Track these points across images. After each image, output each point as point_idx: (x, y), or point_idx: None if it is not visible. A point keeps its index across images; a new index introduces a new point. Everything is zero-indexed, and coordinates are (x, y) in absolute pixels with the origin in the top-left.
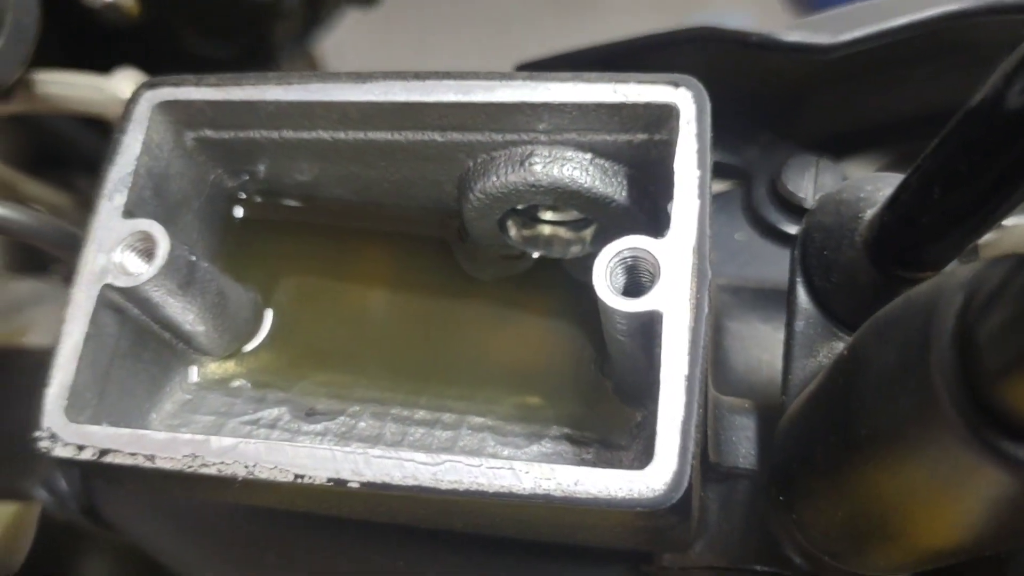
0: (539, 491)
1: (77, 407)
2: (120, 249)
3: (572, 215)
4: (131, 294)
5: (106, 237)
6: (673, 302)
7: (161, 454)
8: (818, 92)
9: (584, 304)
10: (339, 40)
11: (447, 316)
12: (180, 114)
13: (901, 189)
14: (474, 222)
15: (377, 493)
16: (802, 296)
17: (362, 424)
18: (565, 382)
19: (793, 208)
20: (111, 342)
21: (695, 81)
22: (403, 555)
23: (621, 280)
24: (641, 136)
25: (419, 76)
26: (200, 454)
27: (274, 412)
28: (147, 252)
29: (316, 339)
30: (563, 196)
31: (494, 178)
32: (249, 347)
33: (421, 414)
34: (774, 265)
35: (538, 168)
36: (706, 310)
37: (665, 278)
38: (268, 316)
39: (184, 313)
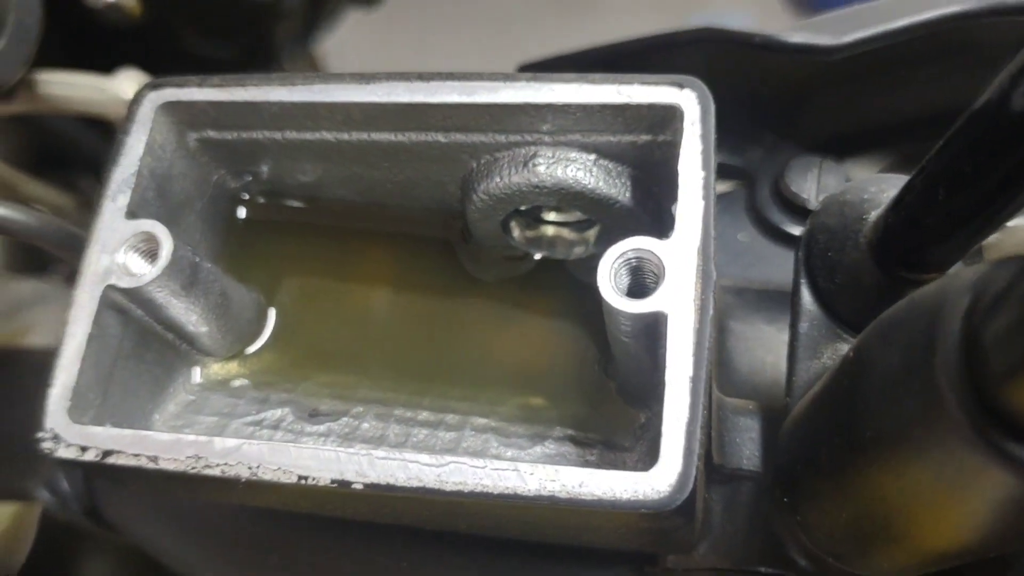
0: (544, 493)
1: (80, 408)
2: (123, 250)
3: (575, 216)
4: (134, 295)
5: (109, 238)
6: (678, 303)
7: (164, 455)
8: (821, 93)
9: (587, 305)
10: (339, 40)
11: (450, 317)
12: (183, 115)
13: (906, 190)
14: (477, 223)
15: (381, 494)
16: (806, 297)
17: (365, 425)
18: (569, 383)
19: (796, 209)
20: (114, 343)
21: (699, 82)
22: (406, 556)
23: (625, 281)
24: (645, 137)
25: (423, 77)
26: (204, 455)
27: (277, 413)
28: (150, 253)
29: (319, 340)
30: (567, 197)
31: (498, 179)
32: (252, 348)
33: (424, 415)
34: (777, 266)
35: (542, 169)
36: (711, 311)
37: (669, 279)
38: (271, 317)
39: (187, 314)
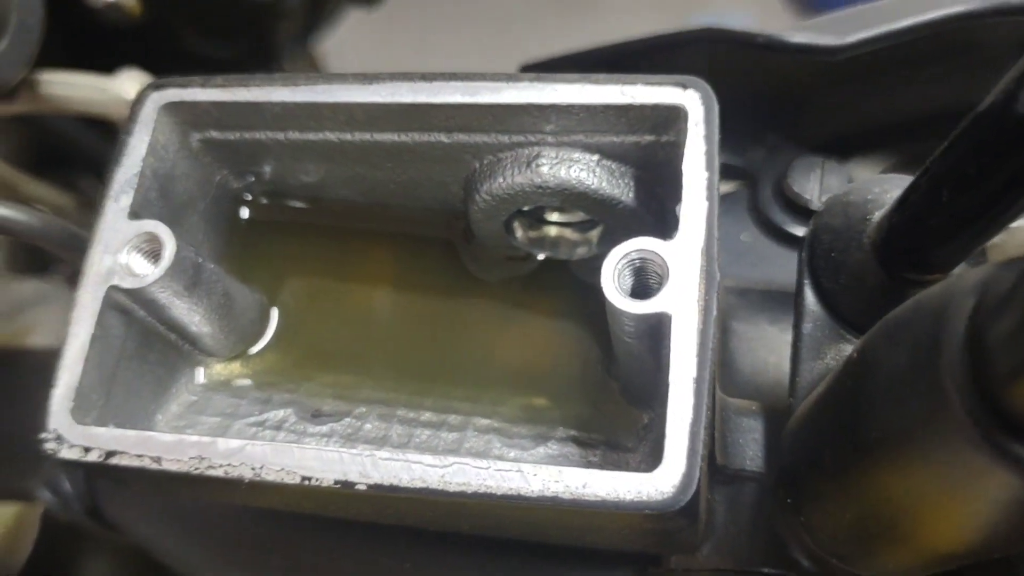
0: (547, 493)
1: (83, 409)
2: (126, 250)
3: (578, 216)
4: (137, 295)
5: (112, 238)
6: (682, 304)
7: (167, 456)
8: (824, 93)
9: (590, 305)
10: (340, 40)
11: (453, 317)
12: (186, 115)
13: (910, 191)
14: (480, 223)
15: (384, 495)
16: (810, 298)
17: (368, 426)
18: (571, 383)
19: (799, 209)
20: (117, 343)
21: (703, 83)
22: (409, 557)
23: (629, 282)
24: (648, 137)
25: (426, 77)
26: (207, 456)
27: (280, 413)
28: (153, 253)
29: (322, 340)
30: (570, 197)
31: (500, 179)
32: (255, 348)
33: (427, 415)
34: (780, 267)
35: (545, 169)
36: (714, 312)
37: (673, 280)
38: (274, 317)
39: (190, 314)
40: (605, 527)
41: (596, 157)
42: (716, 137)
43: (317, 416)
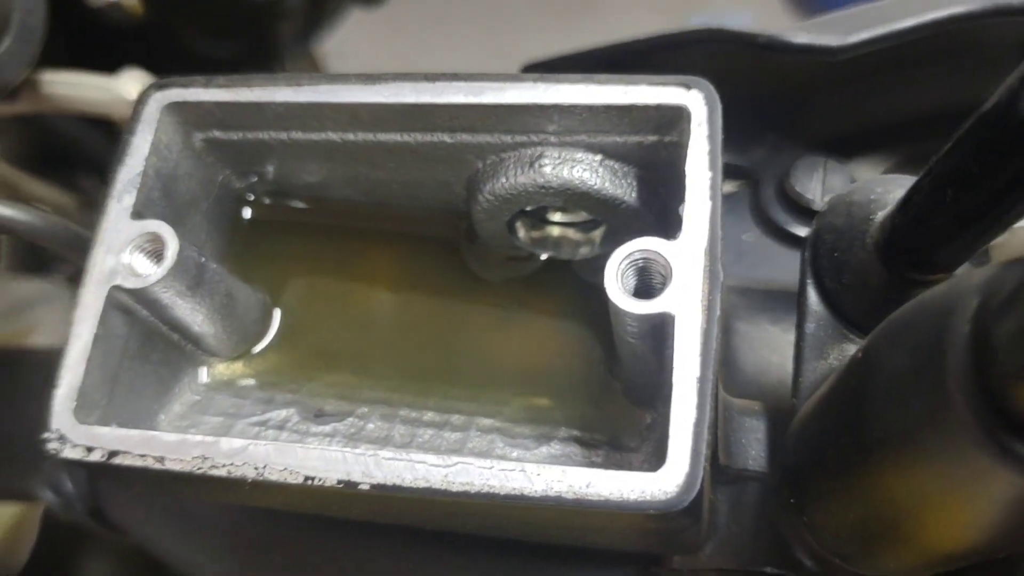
0: (550, 493)
1: (86, 408)
2: (129, 250)
3: (581, 216)
4: (140, 295)
5: (115, 238)
6: (685, 304)
7: (171, 456)
8: (825, 93)
9: (593, 305)
10: (340, 40)
11: (455, 317)
12: (189, 115)
13: (913, 191)
14: (483, 223)
15: (387, 495)
16: (812, 298)
17: (371, 426)
18: (574, 383)
19: (801, 209)
20: (120, 343)
21: (706, 83)
22: (410, 556)
23: (632, 282)
24: (651, 138)
25: (429, 77)
26: (210, 456)
27: (282, 413)
28: (156, 253)
29: (324, 340)
30: (572, 197)
31: (503, 179)
32: (257, 348)
33: (430, 415)
34: (782, 266)
35: (548, 169)
36: (718, 312)
37: (677, 280)
38: (276, 317)
39: (193, 314)
40: (607, 527)
41: (599, 157)
42: (719, 137)
43: (320, 416)
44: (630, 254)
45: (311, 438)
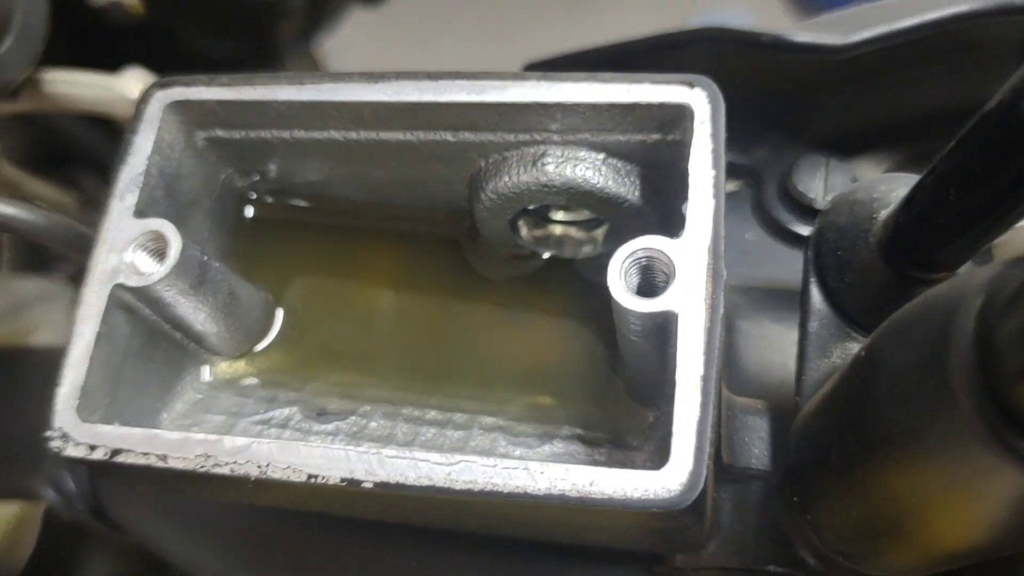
0: (554, 491)
1: (89, 407)
2: (132, 249)
3: (584, 215)
4: (143, 294)
5: (117, 237)
6: (688, 302)
7: (174, 454)
8: (828, 92)
9: (596, 304)
10: (341, 40)
11: (458, 316)
12: (191, 114)
13: (916, 190)
14: (485, 222)
15: (390, 493)
16: (815, 296)
17: (373, 424)
18: (576, 382)
19: (804, 208)
20: (123, 342)
21: (709, 81)
22: (414, 555)
23: (635, 280)
24: (654, 136)
25: (431, 76)
26: (213, 454)
27: (285, 412)
28: (159, 252)
29: (327, 339)
30: (575, 196)
31: (506, 178)
32: (260, 347)
33: (432, 414)
34: (785, 265)
35: (550, 168)
36: (721, 310)
37: (680, 278)
38: (279, 316)
39: (195, 313)
40: (610, 525)
41: (602, 156)
42: (723, 136)
43: (322, 414)
44: (633, 252)
45: (314, 437)
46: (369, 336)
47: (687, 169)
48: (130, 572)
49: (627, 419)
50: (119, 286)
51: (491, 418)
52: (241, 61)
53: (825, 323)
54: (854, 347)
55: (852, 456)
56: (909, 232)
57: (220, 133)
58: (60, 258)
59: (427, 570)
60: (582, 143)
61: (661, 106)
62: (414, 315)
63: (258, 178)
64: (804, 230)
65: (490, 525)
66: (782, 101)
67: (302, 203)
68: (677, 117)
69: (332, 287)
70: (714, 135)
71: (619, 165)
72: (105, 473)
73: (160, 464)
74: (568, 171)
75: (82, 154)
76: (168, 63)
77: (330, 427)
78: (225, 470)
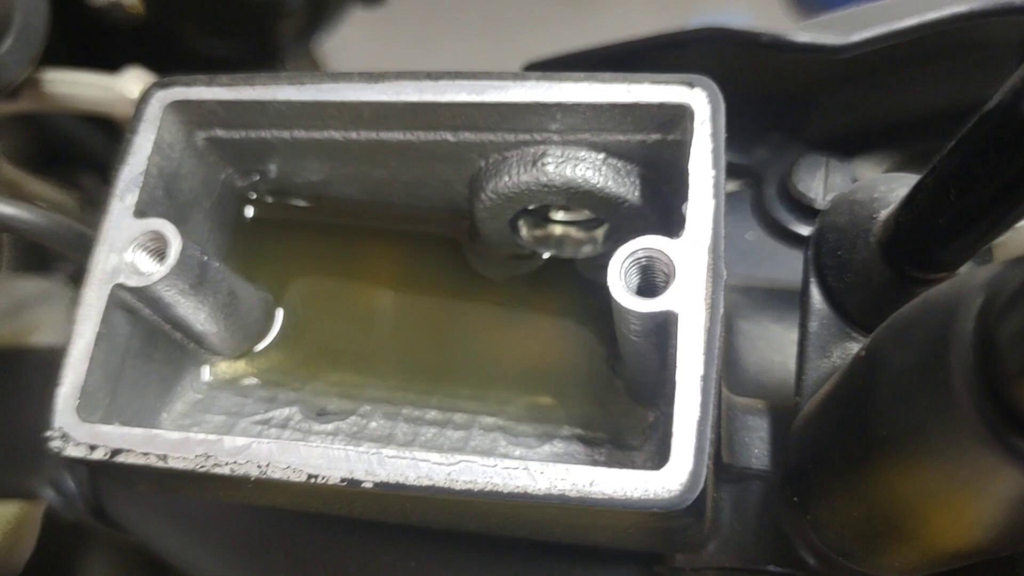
0: (554, 491)
1: (89, 407)
2: (132, 249)
3: (584, 215)
4: (143, 294)
5: (118, 237)
6: (688, 302)
7: (174, 454)
8: (828, 92)
9: (595, 303)
10: (341, 40)
11: (458, 316)
12: (192, 114)
13: (917, 190)
14: (485, 222)
15: (390, 493)
16: (816, 296)
17: (373, 424)
18: (576, 382)
19: (804, 208)
20: (123, 342)
21: (710, 81)
22: (414, 555)
23: (635, 280)
24: (655, 136)
25: (432, 76)
26: (213, 454)
27: (285, 412)
28: (159, 252)
29: (327, 339)
30: (575, 196)
31: (506, 178)
32: (260, 347)
33: (432, 414)
34: (785, 265)
35: (551, 168)
36: (721, 310)
37: (680, 278)
38: (279, 316)
39: (195, 313)
40: (610, 525)
41: (602, 156)
42: (723, 136)
43: (322, 414)
44: (633, 252)
45: (314, 437)
46: (369, 336)
47: (687, 169)
48: (130, 572)
49: (627, 419)
50: (119, 286)
51: (491, 418)
52: (241, 61)
53: (825, 323)
54: (854, 347)
55: (852, 456)
56: (909, 232)
57: (220, 133)
58: (60, 258)
59: (426, 570)
60: (582, 143)
61: (661, 106)
62: (414, 315)
63: (258, 178)
64: (804, 230)
65: (490, 525)
66: (782, 101)
67: (302, 203)
68: (677, 117)
69: (332, 287)
70: (714, 135)
71: (619, 165)
72: (105, 473)
73: (160, 464)
74: (568, 171)
75: (82, 154)
76: (168, 63)
77: (330, 427)
78: (225, 470)
